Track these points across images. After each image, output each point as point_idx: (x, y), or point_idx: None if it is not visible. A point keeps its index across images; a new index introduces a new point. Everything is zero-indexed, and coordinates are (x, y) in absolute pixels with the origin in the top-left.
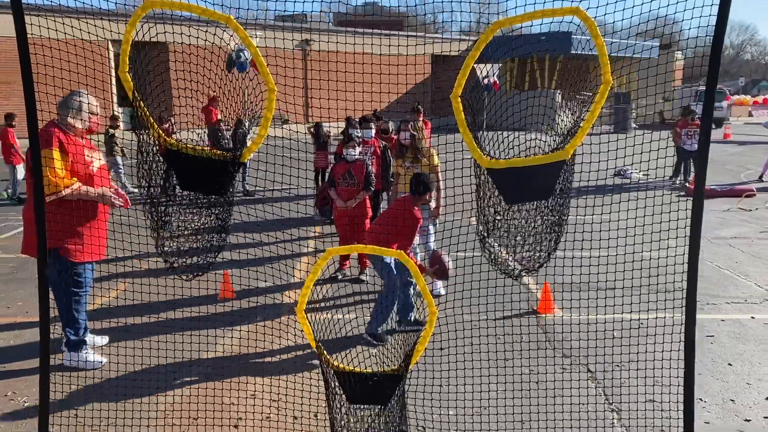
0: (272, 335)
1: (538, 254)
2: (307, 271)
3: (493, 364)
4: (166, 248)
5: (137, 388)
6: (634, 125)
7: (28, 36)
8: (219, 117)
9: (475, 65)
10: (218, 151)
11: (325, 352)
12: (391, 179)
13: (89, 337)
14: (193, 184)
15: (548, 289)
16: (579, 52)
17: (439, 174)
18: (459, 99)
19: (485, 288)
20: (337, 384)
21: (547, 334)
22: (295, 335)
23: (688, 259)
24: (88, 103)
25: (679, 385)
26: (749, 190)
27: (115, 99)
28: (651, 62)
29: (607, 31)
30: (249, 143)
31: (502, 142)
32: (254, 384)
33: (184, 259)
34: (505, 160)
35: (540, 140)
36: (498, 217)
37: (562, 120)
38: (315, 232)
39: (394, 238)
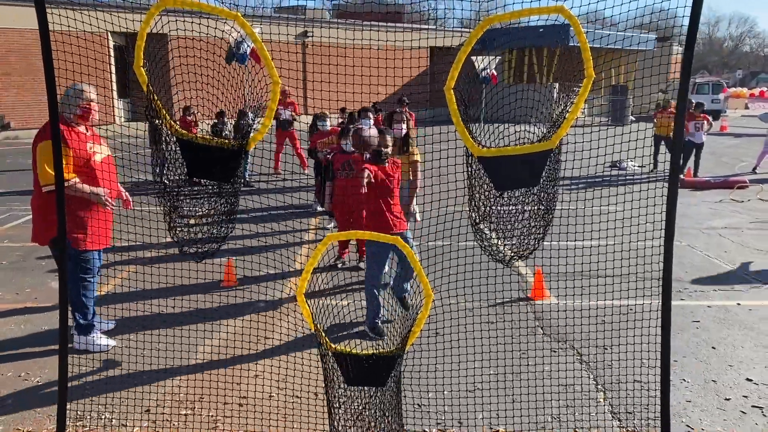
0: (274, 321)
1: (528, 241)
2: (308, 256)
3: (486, 348)
4: (178, 232)
5: (145, 371)
6: (632, 117)
7: (26, 28)
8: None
9: (473, 58)
10: (226, 141)
11: (323, 333)
12: (347, 172)
13: (98, 322)
14: (202, 172)
15: (541, 275)
16: (577, 44)
17: (418, 172)
18: (452, 91)
19: (478, 273)
20: (334, 365)
21: (541, 320)
22: (296, 321)
23: (663, 243)
24: (81, 90)
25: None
26: (742, 182)
27: (114, 90)
28: (648, 54)
29: (605, 24)
30: (253, 133)
31: (493, 132)
32: (258, 365)
33: (195, 244)
34: (495, 148)
35: (529, 131)
36: (489, 204)
37: (551, 111)
38: (315, 220)
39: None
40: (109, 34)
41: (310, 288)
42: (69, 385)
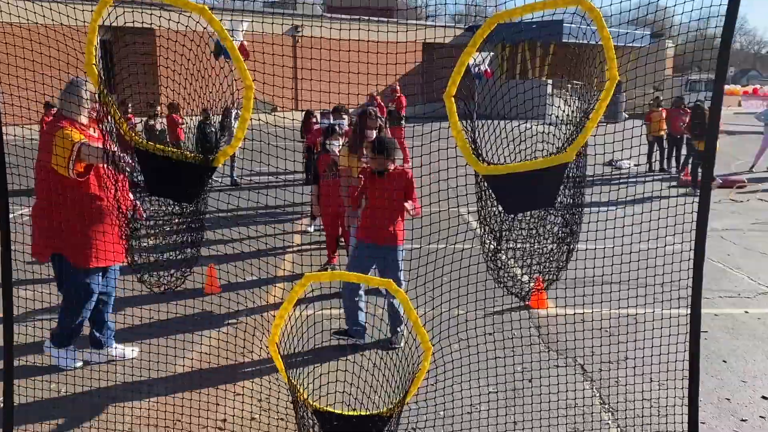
0: (259, 332)
1: (549, 270)
2: (293, 262)
3: (484, 364)
4: (136, 259)
5: (115, 391)
6: (625, 114)
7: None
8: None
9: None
10: (189, 153)
11: (301, 389)
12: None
13: (118, 349)
14: (161, 188)
15: (541, 283)
16: (571, 41)
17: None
18: (452, 99)
19: (474, 278)
20: (313, 420)
21: (540, 330)
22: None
23: (694, 251)
24: (86, 91)
25: (676, 381)
26: (740, 181)
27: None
28: (642, 51)
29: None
30: (224, 146)
31: (501, 143)
32: (240, 382)
33: (156, 273)
34: (503, 165)
35: (536, 132)
36: (503, 229)
37: (563, 117)
38: (302, 224)
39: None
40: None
41: (286, 325)
42: (27, 404)
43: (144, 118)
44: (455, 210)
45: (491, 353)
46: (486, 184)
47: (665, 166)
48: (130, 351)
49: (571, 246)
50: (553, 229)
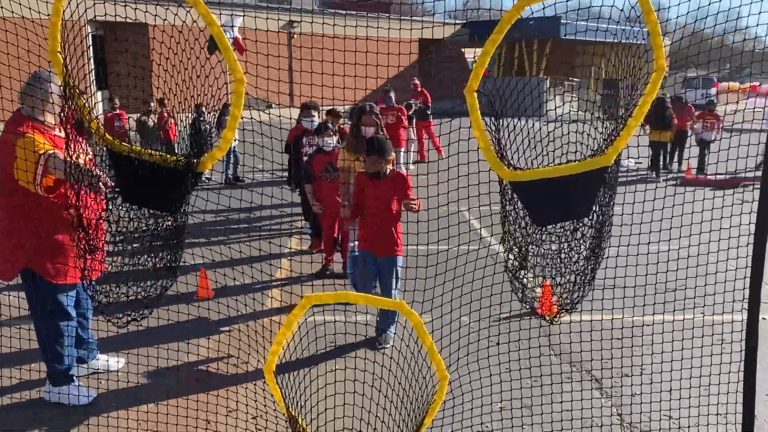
0: (254, 339)
1: (578, 288)
2: (290, 265)
3: (496, 377)
4: (94, 283)
5: (98, 406)
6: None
7: None
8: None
9: (464, 50)
10: (170, 156)
11: (302, 422)
12: (330, 175)
13: (101, 360)
14: (136, 196)
15: (549, 288)
16: (567, 38)
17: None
18: (475, 95)
19: (479, 283)
20: None
21: (550, 338)
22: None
23: (752, 257)
24: (53, 84)
25: (701, 398)
26: (745, 180)
27: (93, 82)
28: (640, 49)
29: (593, 15)
30: (212, 149)
31: (530, 143)
32: (233, 397)
33: (121, 297)
34: (531, 170)
35: (566, 131)
36: (528, 243)
37: (602, 114)
38: (301, 224)
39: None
40: (86, 23)
41: (283, 353)
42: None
43: (138, 114)
44: (455, 210)
45: (502, 365)
46: (511, 192)
47: (668, 165)
48: (115, 362)
49: (599, 260)
50: (585, 243)
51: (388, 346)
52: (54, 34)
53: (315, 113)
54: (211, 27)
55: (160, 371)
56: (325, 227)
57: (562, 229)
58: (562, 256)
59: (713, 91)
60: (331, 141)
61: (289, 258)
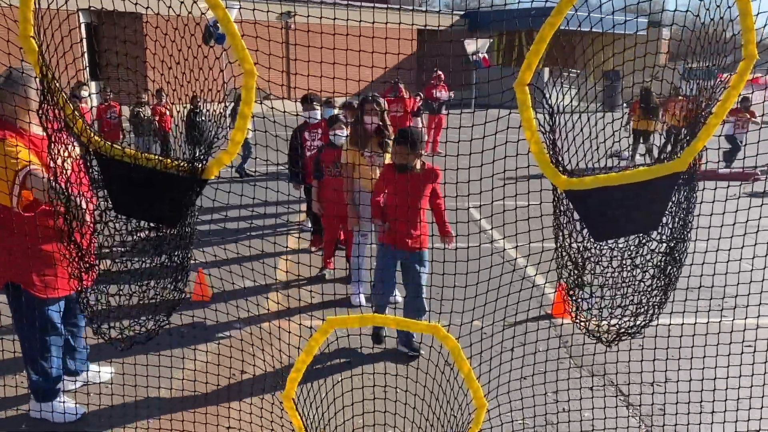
0: (255, 346)
1: (643, 311)
2: (287, 271)
3: (515, 391)
4: (92, 305)
5: (89, 416)
6: (624, 104)
7: None
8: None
9: (464, 40)
10: (171, 161)
11: None
12: (334, 170)
13: (92, 372)
14: (130, 207)
15: (564, 288)
16: (571, 29)
17: None
18: (527, 89)
19: (487, 284)
20: None
21: (565, 344)
22: (279, 348)
23: None
24: (34, 79)
25: (736, 412)
26: (754, 174)
27: (86, 73)
28: (639, 39)
29: (593, 6)
30: (217, 152)
31: (581, 144)
32: (231, 412)
33: (118, 323)
34: (590, 177)
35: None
36: (585, 259)
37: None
38: (300, 219)
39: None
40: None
41: (300, 378)
42: None
43: (131, 106)
44: (463, 206)
45: (514, 372)
46: (566, 202)
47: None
48: (107, 372)
49: (673, 278)
50: (653, 260)
51: (420, 354)
52: (25, 14)
53: (317, 105)
54: (215, 10)
55: (153, 382)
56: (326, 228)
57: (625, 244)
58: (625, 274)
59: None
60: (342, 134)
61: (286, 259)
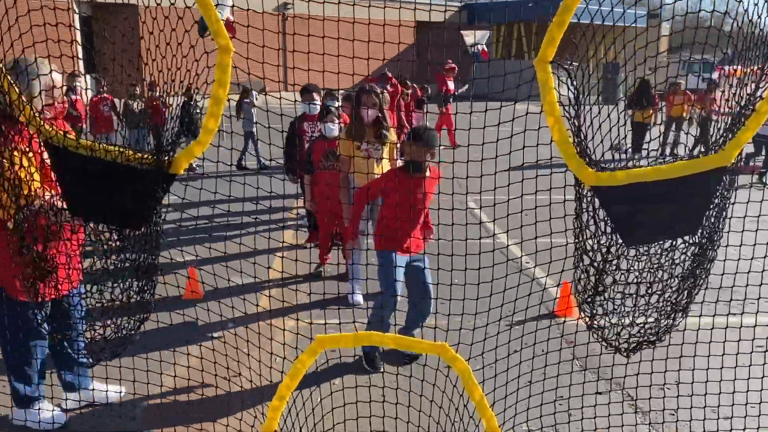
0: (249, 346)
1: (666, 318)
2: (282, 271)
3: (523, 396)
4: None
5: (71, 426)
6: (622, 96)
7: None
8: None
9: (462, 32)
10: (134, 153)
11: None
12: (328, 162)
13: (98, 390)
14: (86, 206)
15: (568, 288)
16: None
17: (396, 153)
18: (549, 67)
19: (488, 280)
20: None
21: (570, 344)
22: (271, 351)
23: None
24: (44, 74)
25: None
26: (755, 167)
27: (80, 65)
28: (638, 31)
29: None
30: (187, 142)
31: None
32: (219, 423)
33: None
34: (623, 171)
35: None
36: (609, 261)
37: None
38: (296, 212)
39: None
40: (72, 2)
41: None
42: None
43: (123, 99)
44: (461, 200)
45: (521, 377)
46: (593, 200)
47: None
48: (116, 393)
49: (697, 285)
50: (684, 264)
51: (414, 360)
52: None
53: (316, 96)
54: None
55: (138, 388)
56: (321, 224)
57: (655, 248)
58: (650, 279)
59: (715, 74)
60: (334, 126)
61: (281, 256)
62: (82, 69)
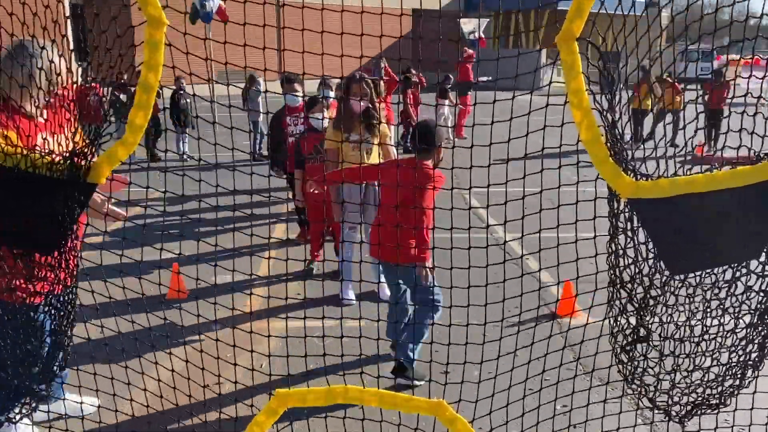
0: (235, 348)
1: (732, 375)
2: (275, 263)
3: (529, 405)
4: None
5: None
6: (621, 86)
7: None
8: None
9: (460, 20)
10: (40, 158)
11: None
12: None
13: (69, 401)
14: None
15: (570, 287)
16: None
17: (390, 148)
18: (576, 46)
19: (481, 282)
20: None
21: (574, 349)
22: (259, 351)
23: None
24: (48, 63)
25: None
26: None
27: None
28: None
29: None
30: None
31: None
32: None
33: None
34: (668, 179)
35: None
36: (651, 296)
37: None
38: (286, 206)
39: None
40: None
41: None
42: None
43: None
44: (458, 195)
45: (517, 381)
46: (633, 216)
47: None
48: (91, 405)
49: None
50: (748, 301)
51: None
52: None
53: (298, 87)
54: None
55: (118, 392)
56: (311, 220)
57: (711, 277)
58: (709, 322)
59: (716, 63)
60: (320, 117)
61: (268, 256)
62: (72, 57)
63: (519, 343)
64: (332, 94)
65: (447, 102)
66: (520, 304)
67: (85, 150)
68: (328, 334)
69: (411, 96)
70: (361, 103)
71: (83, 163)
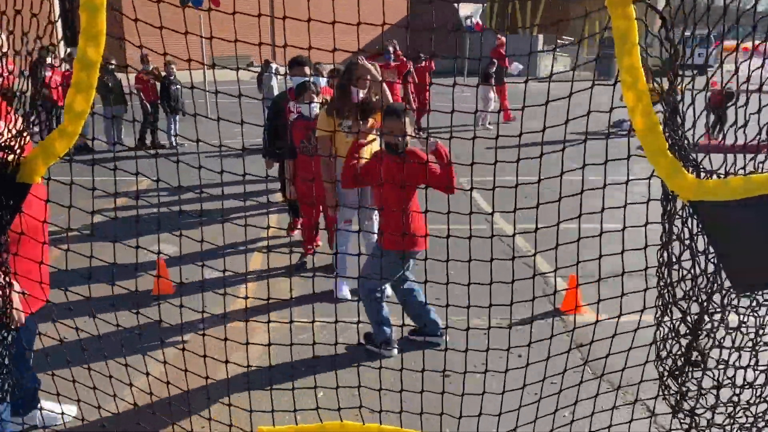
0: (226, 344)
1: None
2: (268, 255)
3: (538, 409)
4: None
5: None
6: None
7: None
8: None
9: (456, 5)
10: None
11: None
12: (306, 146)
13: (46, 411)
14: None
15: (575, 282)
16: None
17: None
18: (633, 11)
19: (484, 279)
20: None
21: (580, 348)
22: (248, 351)
23: None
24: None
25: None
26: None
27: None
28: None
29: None
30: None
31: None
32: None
33: None
34: (738, 178)
35: None
36: (709, 315)
37: None
38: (278, 195)
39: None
40: None
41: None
42: None
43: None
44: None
45: (521, 383)
46: (690, 219)
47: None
48: (68, 414)
49: None
50: None
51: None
52: None
53: (308, 70)
54: None
55: (101, 396)
56: (304, 212)
57: None
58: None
59: (713, 49)
60: (313, 104)
61: (263, 249)
62: (57, 41)
63: (524, 341)
64: (323, 80)
65: (491, 87)
66: (532, 305)
67: (12, 142)
68: (319, 332)
69: (411, 82)
70: (363, 91)
71: (12, 158)
